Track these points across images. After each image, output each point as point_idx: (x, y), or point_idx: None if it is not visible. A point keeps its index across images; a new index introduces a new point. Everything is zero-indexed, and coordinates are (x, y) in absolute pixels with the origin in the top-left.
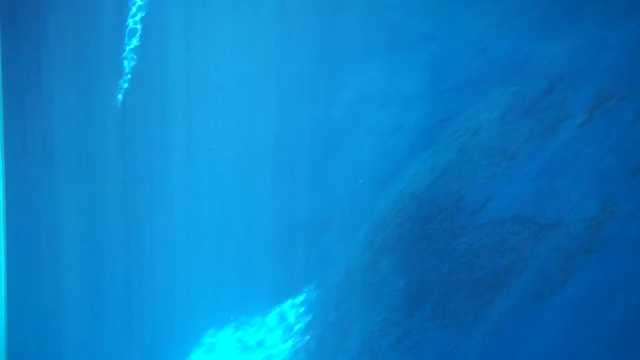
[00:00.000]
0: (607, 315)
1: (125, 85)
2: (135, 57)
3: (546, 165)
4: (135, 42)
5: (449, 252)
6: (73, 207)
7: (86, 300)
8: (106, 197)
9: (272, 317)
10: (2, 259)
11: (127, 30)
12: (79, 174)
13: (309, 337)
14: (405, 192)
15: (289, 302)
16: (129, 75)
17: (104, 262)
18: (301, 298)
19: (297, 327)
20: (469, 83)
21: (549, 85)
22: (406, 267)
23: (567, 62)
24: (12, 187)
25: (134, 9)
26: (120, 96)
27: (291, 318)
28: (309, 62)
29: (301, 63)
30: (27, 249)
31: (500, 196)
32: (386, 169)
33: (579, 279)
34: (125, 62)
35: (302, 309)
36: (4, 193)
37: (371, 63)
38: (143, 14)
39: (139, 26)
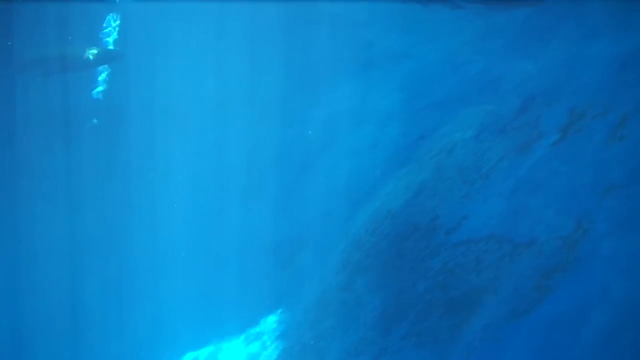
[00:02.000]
0: (582, 332)
1: (98, 107)
2: (107, 78)
3: (520, 183)
4: (107, 64)
5: (425, 270)
6: (53, 225)
7: (64, 322)
8: (86, 217)
9: (248, 338)
10: None
11: (101, 51)
12: (59, 191)
13: (285, 357)
14: (380, 211)
15: (264, 323)
16: (102, 97)
17: (80, 281)
18: (277, 319)
19: (273, 347)
20: (444, 101)
21: (523, 104)
22: (382, 286)
23: (540, 80)
24: None
25: (108, 29)
26: (94, 119)
27: (267, 339)
28: (282, 81)
29: (274, 82)
30: (4, 265)
31: (475, 215)
32: (361, 188)
33: (554, 296)
34: (98, 83)
35: (277, 330)
36: None
37: (345, 82)
38: (116, 34)
39: (111, 47)
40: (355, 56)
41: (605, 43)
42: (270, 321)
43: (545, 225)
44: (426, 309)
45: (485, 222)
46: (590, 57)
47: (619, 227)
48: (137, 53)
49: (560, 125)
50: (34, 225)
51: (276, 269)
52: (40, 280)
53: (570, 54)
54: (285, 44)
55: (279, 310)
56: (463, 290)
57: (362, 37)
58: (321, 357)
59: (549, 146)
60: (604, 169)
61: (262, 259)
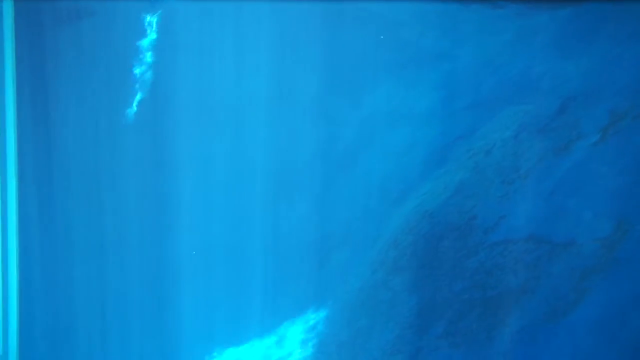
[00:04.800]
0: (621, 335)
1: (137, 101)
2: (147, 74)
3: (559, 184)
4: (148, 58)
5: (462, 270)
6: (84, 222)
7: (94, 319)
8: (117, 214)
9: (284, 336)
10: (14, 274)
11: (140, 47)
12: (92, 189)
13: (320, 355)
14: (418, 211)
15: (300, 320)
16: (141, 92)
17: (112, 279)
18: (313, 316)
19: (309, 345)
20: (483, 101)
21: (562, 104)
22: (418, 285)
23: (580, 81)
24: (25, 200)
25: (148, 25)
26: (131, 111)
27: (303, 336)
28: (321, 81)
29: (313, 82)
30: (39, 264)
31: (513, 215)
32: (399, 188)
33: (592, 298)
34: (137, 79)
35: (313, 328)
36: (17, 207)
37: (384, 81)
38: (156, 33)
39: (151, 47)
40: (394, 56)
41: None
42: (306, 319)
43: (584, 227)
44: (462, 309)
45: (523, 222)
46: (631, 59)
47: None
48: (181, 49)
49: (600, 126)
50: (69, 216)
51: (313, 267)
52: (78, 274)
53: (611, 55)
54: (325, 43)
55: (315, 308)
56: (500, 290)
57: (402, 36)
58: (357, 355)
59: (589, 147)
60: None
61: (300, 257)
